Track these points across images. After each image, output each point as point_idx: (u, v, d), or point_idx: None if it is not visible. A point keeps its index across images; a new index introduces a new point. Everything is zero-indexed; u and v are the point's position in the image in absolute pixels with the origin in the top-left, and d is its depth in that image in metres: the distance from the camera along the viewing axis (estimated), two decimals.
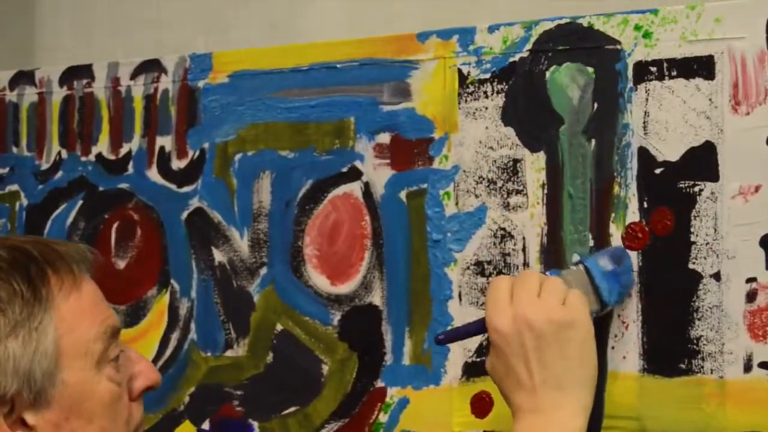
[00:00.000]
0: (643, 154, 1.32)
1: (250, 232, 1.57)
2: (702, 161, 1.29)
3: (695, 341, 1.29)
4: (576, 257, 1.35)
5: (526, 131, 1.39)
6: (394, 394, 1.47)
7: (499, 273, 1.40)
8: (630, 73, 1.33)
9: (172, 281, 1.62)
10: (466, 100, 1.43)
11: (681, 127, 1.31)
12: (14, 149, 1.75)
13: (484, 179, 1.41)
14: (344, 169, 1.51)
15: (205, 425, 1.60)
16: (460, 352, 1.43)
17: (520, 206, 1.39)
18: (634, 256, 1.32)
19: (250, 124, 1.57)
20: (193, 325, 1.61)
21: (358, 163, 1.49)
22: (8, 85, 1.75)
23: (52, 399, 1.18)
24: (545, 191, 1.38)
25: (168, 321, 1.62)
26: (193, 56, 1.61)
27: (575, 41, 1.36)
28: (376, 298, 1.48)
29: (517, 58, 1.39)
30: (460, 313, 1.42)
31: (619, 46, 1.34)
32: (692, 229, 1.30)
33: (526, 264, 1.39)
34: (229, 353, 1.58)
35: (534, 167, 1.38)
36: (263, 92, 1.56)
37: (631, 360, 1.33)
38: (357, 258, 1.50)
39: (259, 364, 1.56)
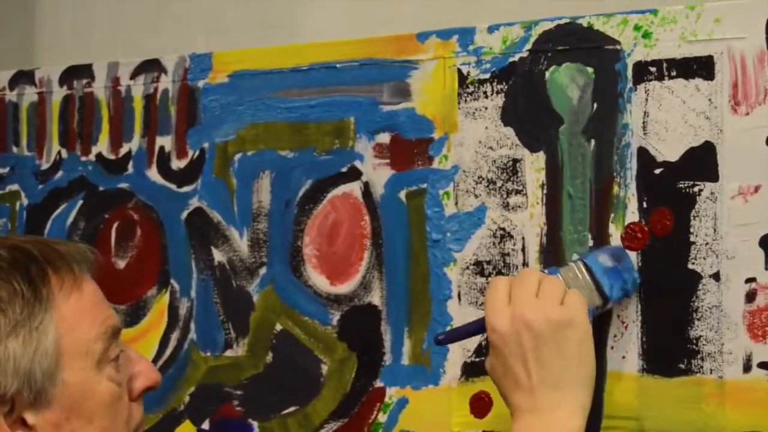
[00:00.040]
0: (643, 154, 1.32)
1: (249, 232, 1.57)
2: (701, 161, 1.29)
3: (695, 341, 1.29)
4: (575, 256, 1.35)
5: (526, 131, 1.39)
6: (393, 394, 1.47)
7: (499, 273, 1.40)
8: (629, 73, 1.33)
9: (172, 281, 1.62)
10: (465, 100, 1.43)
11: (680, 128, 1.31)
12: (14, 149, 1.75)
13: (483, 179, 1.41)
14: (344, 169, 1.51)
15: (205, 425, 1.60)
16: (459, 352, 1.43)
17: (519, 206, 1.39)
18: (633, 257, 1.32)
19: (250, 124, 1.57)
20: (192, 325, 1.61)
21: (357, 163, 1.49)
22: (8, 85, 1.75)
23: (52, 399, 1.18)
24: (545, 191, 1.38)
25: (168, 321, 1.62)
26: (192, 56, 1.61)
27: (575, 41, 1.36)
28: (376, 298, 1.48)
29: (516, 58, 1.39)
30: (460, 313, 1.42)
31: (618, 47, 1.34)
32: (692, 230, 1.30)
33: (525, 264, 1.39)
34: (228, 353, 1.58)
35: (533, 167, 1.38)
36: (263, 92, 1.56)
37: (630, 360, 1.33)
38: (356, 258, 1.50)
39: (259, 364, 1.56)
